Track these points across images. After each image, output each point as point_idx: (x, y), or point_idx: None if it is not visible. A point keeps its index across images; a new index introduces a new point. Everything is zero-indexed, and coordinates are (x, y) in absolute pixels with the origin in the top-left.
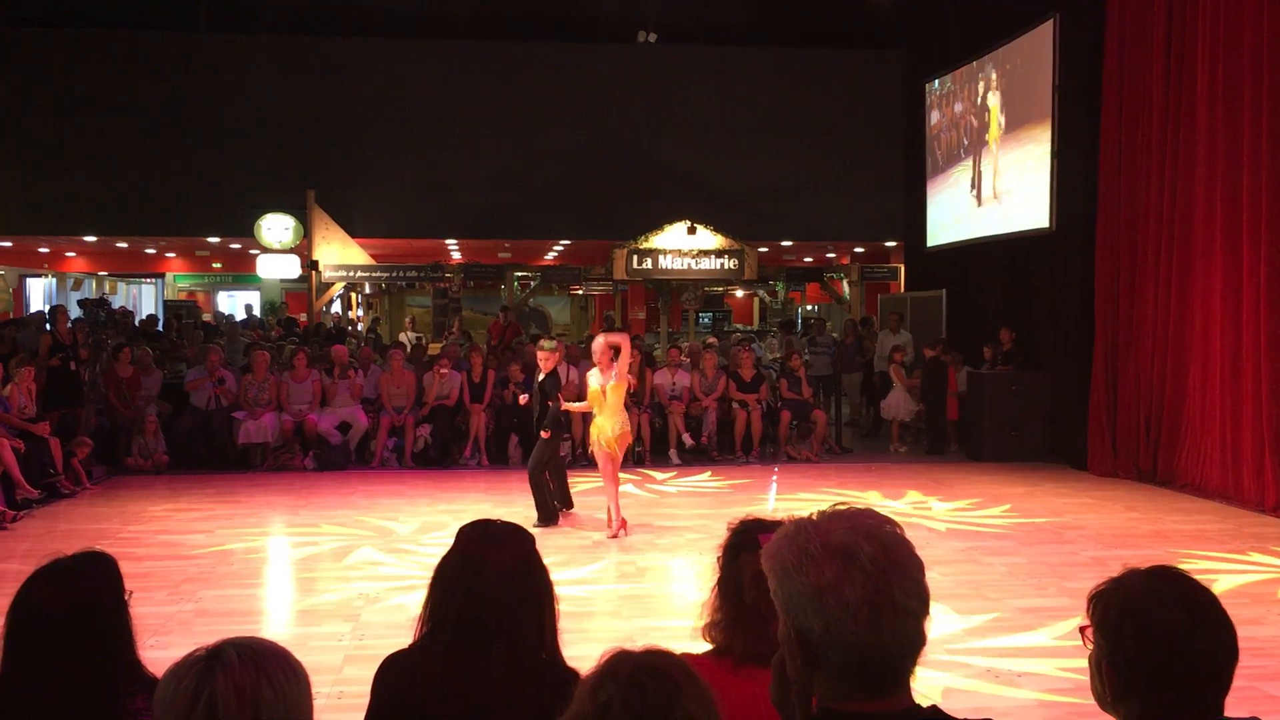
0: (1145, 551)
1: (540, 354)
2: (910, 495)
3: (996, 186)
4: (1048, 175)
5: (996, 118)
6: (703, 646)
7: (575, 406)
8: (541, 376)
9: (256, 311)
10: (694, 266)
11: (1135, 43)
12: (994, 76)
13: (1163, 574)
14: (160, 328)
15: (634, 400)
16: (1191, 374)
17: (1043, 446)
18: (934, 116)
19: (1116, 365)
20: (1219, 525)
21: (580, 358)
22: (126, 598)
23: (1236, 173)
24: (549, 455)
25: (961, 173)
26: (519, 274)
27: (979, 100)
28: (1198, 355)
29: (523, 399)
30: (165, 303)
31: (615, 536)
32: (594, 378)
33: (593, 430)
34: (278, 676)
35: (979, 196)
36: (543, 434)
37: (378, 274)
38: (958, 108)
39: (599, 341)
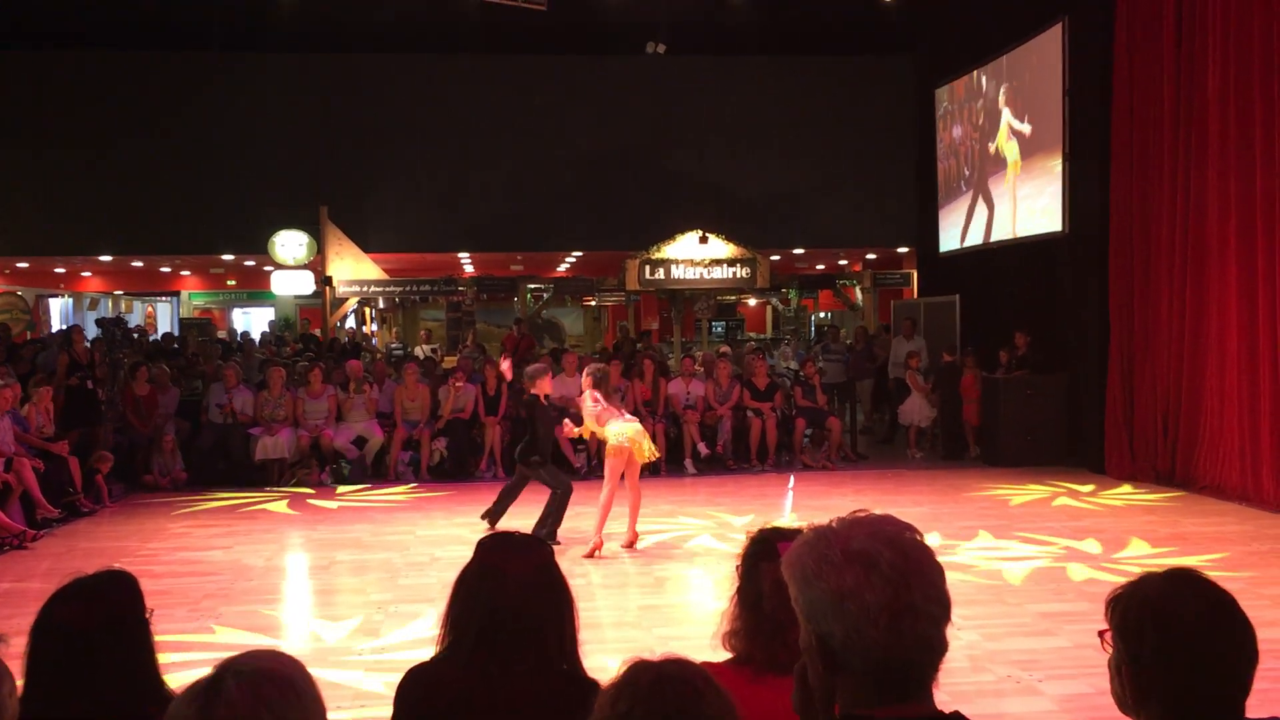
0: (1165, 554)
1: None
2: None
3: (1015, 228)
4: (1060, 179)
5: (1011, 149)
6: (722, 655)
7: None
8: (528, 396)
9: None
10: (706, 276)
11: (1145, 44)
12: (1002, 98)
13: (1181, 576)
14: (176, 345)
15: (648, 410)
16: (1208, 375)
17: (1060, 450)
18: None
19: (1133, 367)
20: (1239, 527)
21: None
22: (147, 615)
23: (1249, 172)
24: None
25: (962, 210)
26: (531, 286)
27: (979, 121)
28: (1214, 356)
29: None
30: (181, 320)
31: (590, 555)
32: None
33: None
34: (278, 703)
35: (988, 236)
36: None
37: (391, 289)
38: (956, 132)
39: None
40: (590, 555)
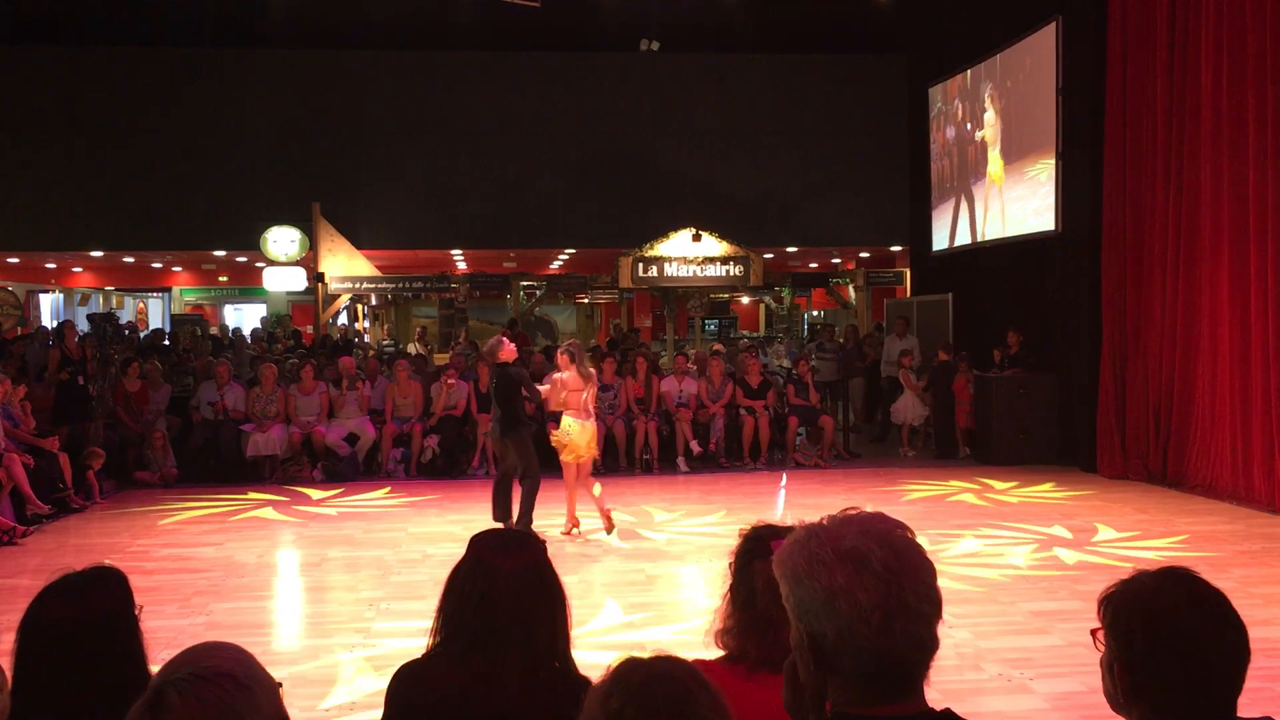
0: (1156, 554)
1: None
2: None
3: (1007, 227)
4: (1053, 178)
5: (997, 156)
6: (714, 653)
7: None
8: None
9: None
10: (699, 274)
11: (1138, 43)
12: (989, 103)
13: (1173, 575)
14: (168, 341)
15: (641, 408)
16: (1200, 374)
17: (1052, 449)
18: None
19: (1125, 367)
20: (1230, 526)
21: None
22: (137, 612)
23: (1242, 171)
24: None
25: (951, 210)
26: (525, 283)
27: (969, 126)
28: (1206, 355)
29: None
30: (172, 316)
31: (568, 533)
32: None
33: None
34: (223, 703)
35: (974, 237)
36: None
37: (383, 285)
38: (949, 132)
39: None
40: (567, 533)
